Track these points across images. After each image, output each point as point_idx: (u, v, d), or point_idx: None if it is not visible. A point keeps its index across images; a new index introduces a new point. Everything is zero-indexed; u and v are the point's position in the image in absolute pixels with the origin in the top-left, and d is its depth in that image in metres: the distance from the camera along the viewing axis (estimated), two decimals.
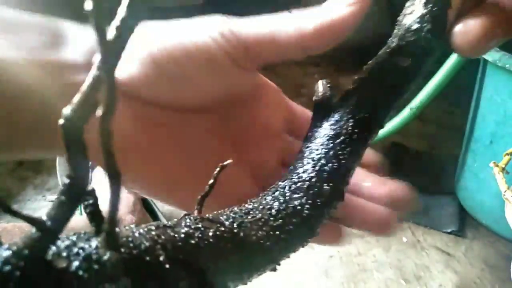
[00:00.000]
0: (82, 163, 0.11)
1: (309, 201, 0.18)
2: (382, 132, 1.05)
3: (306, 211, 0.18)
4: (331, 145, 0.19)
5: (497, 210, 0.83)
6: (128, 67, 0.19)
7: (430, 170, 1.07)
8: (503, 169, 0.73)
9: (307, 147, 0.20)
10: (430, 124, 1.24)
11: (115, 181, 0.11)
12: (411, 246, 0.88)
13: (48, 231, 0.11)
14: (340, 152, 0.19)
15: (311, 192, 0.18)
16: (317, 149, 0.19)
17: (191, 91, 0.20)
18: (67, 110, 0.11)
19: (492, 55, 0.82)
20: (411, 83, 0.21)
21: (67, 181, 0.11)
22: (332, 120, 0.21)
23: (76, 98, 0.11)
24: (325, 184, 0.19)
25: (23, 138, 0.18)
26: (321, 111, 0.22)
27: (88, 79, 0.11)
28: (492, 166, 0.74)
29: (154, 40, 0.19)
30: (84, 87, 0.11)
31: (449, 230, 0.92)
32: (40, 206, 0.95)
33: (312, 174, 0.19)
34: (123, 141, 0.18)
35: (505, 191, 0.70)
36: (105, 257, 0.12)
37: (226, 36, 0.20)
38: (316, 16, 0.19)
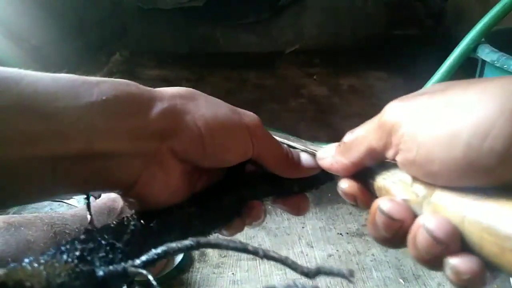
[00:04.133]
0: None
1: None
2: None
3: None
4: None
5: None
6: (185, 138, 0.24)
7: None
8: None
9: None
10: None
11: None
12: None
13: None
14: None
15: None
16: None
17: (224, 156, 0.26)
18: None
19: (491, 56, 0.83)
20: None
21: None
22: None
23: None
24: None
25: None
26: None
27: None
28: None
29: (204, 116, 0.25)
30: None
31: None
32: (42, 205, 0.96)
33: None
34: (171, 192, 0.25)
35: None
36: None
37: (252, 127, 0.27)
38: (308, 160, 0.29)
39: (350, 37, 1.99)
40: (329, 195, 1.00)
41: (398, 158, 0.21)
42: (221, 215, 0.28)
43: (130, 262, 0.21)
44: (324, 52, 1.94)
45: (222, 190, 0.28)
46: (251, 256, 0.83)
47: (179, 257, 0.78)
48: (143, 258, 0.20)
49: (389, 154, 0.22)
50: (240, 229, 0.29)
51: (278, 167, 0.28)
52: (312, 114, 1.41)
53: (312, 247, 0.86)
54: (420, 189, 0.21)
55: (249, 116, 0.27)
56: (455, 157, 0.18)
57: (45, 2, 1.46)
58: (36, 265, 0.19)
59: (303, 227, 0.91)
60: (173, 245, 0.20)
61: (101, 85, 0.22)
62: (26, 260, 0.20)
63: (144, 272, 0.20)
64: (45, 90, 0.20)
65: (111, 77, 0.24)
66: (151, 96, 0.24)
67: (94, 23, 1.75)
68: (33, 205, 0.95)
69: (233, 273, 0.79)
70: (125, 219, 0.23)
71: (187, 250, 0.21)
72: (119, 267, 0.20)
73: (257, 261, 0.82)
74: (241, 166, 0.28)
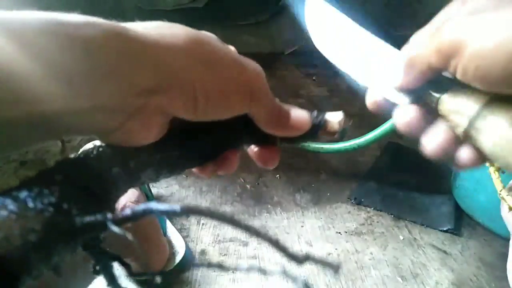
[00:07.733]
0: None
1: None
2: (379, 132, 1.06)
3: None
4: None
5: (492, 209, 0.84)
6: (176, 97, 0.22)
7: (426, 169, 1.08)
8: (499, 168, 0.74)
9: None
10: None
11: None
12: (408, 244, 0.89)
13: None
14: None
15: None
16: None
17: (217, 115, 0.25)
18: None
19: None
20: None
21: None
22: None
23: None
24: None
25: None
26: None
27: None
28: (487, 165, 0.75)
29: (201, 76, 0.23)
30: None
31: (445, 229, 0.93)
32: None
33: None
34: (150, 139, 0.24)
35: (500, 190, 0.71)
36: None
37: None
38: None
39: None
40: (328, 194, 1.00)
41: (459, 72, 0.23)
42: (196, 157, 0.27)
43: (110, 214, 0.18)
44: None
45: (202, 132, 0.26)
46: (251, 255, 0.84)
47: (179, 256, 0.78)
48: (127, 212, 0.18)
49: (450, 70, 0.24)
50: (212, 174, 0.28)
51: (267, 124, 0.26)
52: None
53: (311, 245, 0.87)
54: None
55: (252, 70, 0.25)
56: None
57: (44, 1, 1.46)
58: (5, 213, 0.17)
59: (302, 226, 0.92)
60: (160, 207, 0.18)
61: (84, 29, 0.19)
62: None
63: (119, 230, 0.18)
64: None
65: None
66: (142, 45, 0.21)
67: None
68: None
69: (233, 272, 0.79)
70: (101, 155, 0.22)
71: (173, 215, 0.19)
72: (100, 217, 0.18)
73: (257, 259, 0.83)
74: None
